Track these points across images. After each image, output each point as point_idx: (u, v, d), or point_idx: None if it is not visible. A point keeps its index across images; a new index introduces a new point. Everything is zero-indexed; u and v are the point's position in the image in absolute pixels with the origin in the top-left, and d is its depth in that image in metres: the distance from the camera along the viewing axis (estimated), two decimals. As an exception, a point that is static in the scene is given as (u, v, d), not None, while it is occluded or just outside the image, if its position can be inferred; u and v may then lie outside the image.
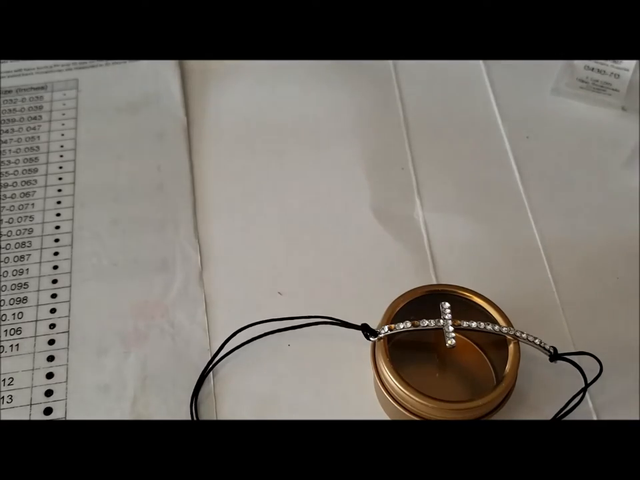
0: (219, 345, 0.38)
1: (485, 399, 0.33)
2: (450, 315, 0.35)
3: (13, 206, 0.44)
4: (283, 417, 0.36)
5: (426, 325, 0.34)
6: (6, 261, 0.42)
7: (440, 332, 0.35)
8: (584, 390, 0.35)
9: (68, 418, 0.36)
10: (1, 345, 0.38)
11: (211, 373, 0.38)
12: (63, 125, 0.48)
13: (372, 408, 0.37)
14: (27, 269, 0.41)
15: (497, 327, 0.34)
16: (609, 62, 0.49)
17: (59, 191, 0.45)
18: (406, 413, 0.34)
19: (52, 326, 0.39)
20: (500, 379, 0.33)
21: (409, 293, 0.36)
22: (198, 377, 0.37)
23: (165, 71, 0.50)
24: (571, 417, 0.35)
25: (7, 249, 0.42)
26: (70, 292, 0.40)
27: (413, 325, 0.34)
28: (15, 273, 0.41)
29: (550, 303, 0.40)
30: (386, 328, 0.34)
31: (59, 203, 0.44)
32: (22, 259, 0.42)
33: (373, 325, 0.35)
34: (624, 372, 0.38)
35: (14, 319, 0.39)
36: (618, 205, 0.44)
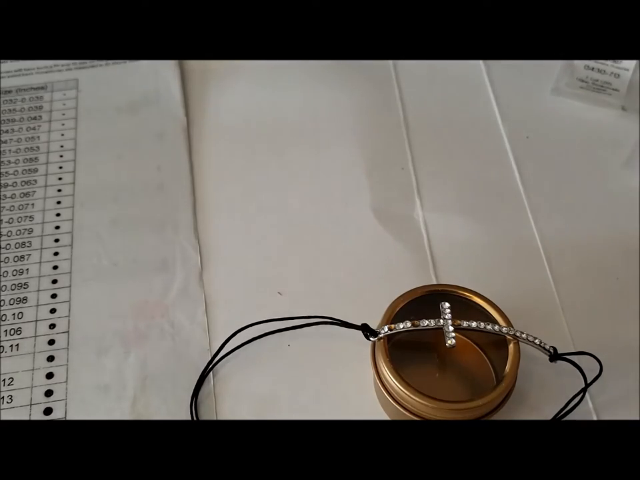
0: (219, 345, 0.38)
1: (485, 399, 0.33)
2: (450, 315, 0.35)
3: (13, 206, 0.44)
4: (283, 417, 0.36)
5: (426, 325, 0.34)
6: (6, 261, 0.42)
7: (440, 332, 0.35)
8: (584, 390, 0.35)
9: (68, 418, 0.36)
10: (1, 345, 0.38)
11: (211, 373, 0.38)
12: (63, 125, 0.48)
13: (372, 408, 0.37)
14: (27, 269, 0.41)
15: (496, 327, 0.34)
16: (609, 62, 0.49)
17: (59, 191, 0.45)
18: (406, 413, 0.34)
19: (52, 326, 0.39)
20: (500, 379, 0.33)
21: (408, 293, 0.36)
22: (198, 377, 0.37)
23: (165, 71, 0.50)
24: (571, 416, 0.35)
25: (7, 249, 0.42)
26: (70, 292, 0.40)
27: (412, 325, 0.34)
28: (14, 273, 0.41)
29: (550, 303, 0.40)
30: (386, 328, 0.34)
31: (58, 203, 0.44)
32: (22, 259, 0.42)
33: (373, 325, 0.35)
34: (624, 372, 0.38)
35: (14, 319, 0.39)
36: (618, 205, 0.44)
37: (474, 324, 0.35)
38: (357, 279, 0.41)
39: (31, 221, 0.43)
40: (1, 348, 0.38)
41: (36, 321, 0.39)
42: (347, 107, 0.49)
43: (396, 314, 0.35)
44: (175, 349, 0.39)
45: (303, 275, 0.42)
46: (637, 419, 0.36)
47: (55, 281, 0.41)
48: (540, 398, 0.37)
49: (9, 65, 0.50)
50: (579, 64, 0.49)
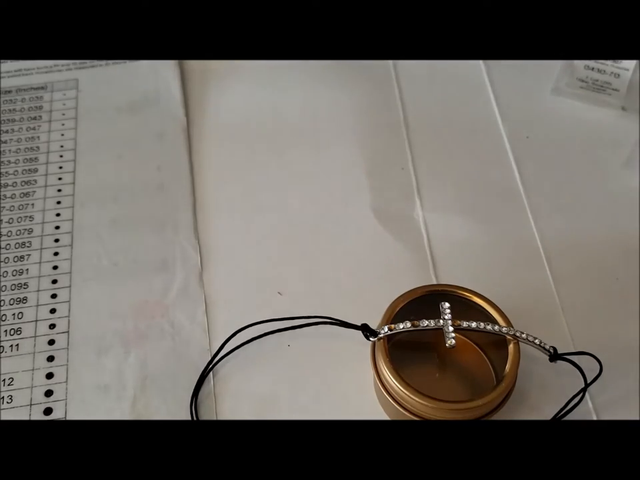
0: (219, 345, 0.38)
1: (485, 399, 0.33)
2: (450, 315, 0.35)
3: (13, 206, 0.44)
4: (283, 417, 0.36)
5: (426, 325, 0.34)
6: (6, 261, 0.42)
7: (440, 332, 0.35)
8: (584, 390, 0.35)
9: (68, 418, 0.36)
10: (1, 345, 0.38)
11: (211, 373, 0.38)
12: (63, 125, 0.48)
13: (372, 408, 0.37)
14: (27, 269, 0.41)
15: (496, 327, 0.34)
16: (609, 62, 0.49)
17: (59, 191, 0.45)
18: (406, 413, 0.34)
19: (52, 326, 0.39)
20: (500, 379, 0.33)
21: (408, 293, 0.36)
22: (198, 377, 0.37)
23: (165, 71, 0.50)
24: (571, 416, 0.35)
25: (7, 249, 0.42)
26: (70, 292, 0.40)
27: (412, 325, 0.34)
28: (14, 273, 0.41)
29: (550, 303, 0.40)
30: (386, 328, 0.34)
31: (58, 203, 0.44)
32: (22, 259, 0.42)
33: (373, 325, 0.35)
34: (624, 372, 0.38)
35: (14, 319, 0.39)
36: (618, 205, 0.44)
37: (474, 324, 0.35)
38: (357, 279, 0.41)
39: (30, 221, 0.43)
40: (1, 348, 0.38)
41: (36, 321, 0.39)
42: (346, 107, 0.49)
43: (396, 314, 0.35)
44: (175, 348, 0.39)
45: (303, 275, 0.42)
46: (637, 419, 0.36)
47: (54, 281, 0.41)
48: (540, 398, 0.37)
49: (9, 65, 0.50)
50: (579, 64, 0.49)
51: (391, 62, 0.51)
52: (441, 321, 0.35)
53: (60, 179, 0.45)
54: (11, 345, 0.39)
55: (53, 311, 0.40)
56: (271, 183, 0.46)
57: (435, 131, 0.48)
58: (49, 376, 0.38)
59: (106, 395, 0.37)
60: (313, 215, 0.44)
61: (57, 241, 0.42)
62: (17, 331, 0.39)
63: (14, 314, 0.40)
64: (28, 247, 0.42)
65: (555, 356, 0.35)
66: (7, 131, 0.47)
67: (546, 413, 0.36)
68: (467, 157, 0.47)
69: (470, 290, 0.36)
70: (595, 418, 0.36)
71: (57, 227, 0.43)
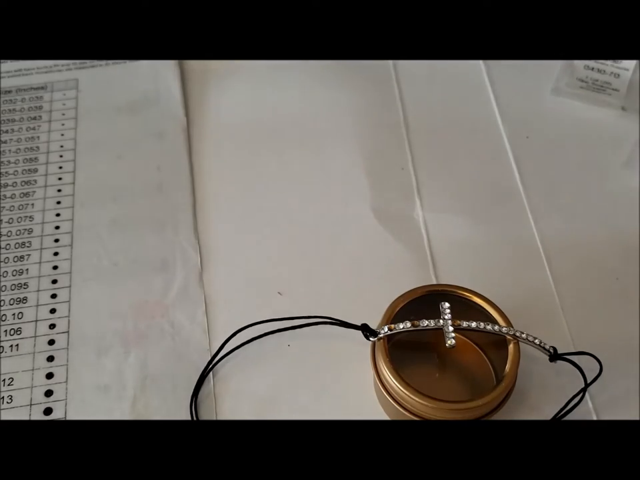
0: (219, 345, 0.38)
1: (485, 398, 0.33)
2: (450, 315, 0.35)
3: (12, 206, 0.44)
4: (283, 417, 0.36)
5: (426, 325, 0.34)
6: (6, 261, 0.42)
7: (440, 332, 0.35)
8: (584, 390, 0.35)
9: (68, 418, 0.36)
10: (1, 345, 0.38)
11: (211, 373, 0.38)
12: (63, 125, 0.48)
13: (372, 408, 0.37)
14: (27, 269, 0.41)
15: (496, 327, 0.34)
16: (609, 62, 0.49)
17: (59, 191, 0.45)
18: (406, 413, 0.34)
19: (52, 326, 0.39)
20: (500, 379, 0.33)
21: (408, 293, 0.36)
22: (198, 377, 0.37)
23: (165, 71, 0.50)
24: (571, 416, 0.35)
25: (7, 249, 0.42)
26: (70, 292, 0.40)
27: (412, 325, 0.34)
28: (14, 273, 0.41)
29: (550, 303, 0.40)
30: (386, 328, 0.34)
31: (58, 203, 0.44)
32: (22, 259, 0.42)
33: (373, 325, 0.35)
34: (624, 372, 0.38)
35: (14, 319, 0.39)
36: (618, 205, 0.44)
37: (474, 324, 0.35)
38: (357, 279, 0.41)
39: (30, 221, 0.43)
40: (1, 348, 0.38)
41: (36, 321, 0.39)
42: (346, 107, 0.49)
43: (396, 314, 0.35)
44: (175, 349, 0.39)
45: (302, 275, 0.42)
46: (637, 419, 0.36)
47: (54, 281, 0.41)
48: (540, 398, 0.37)
49: (9, 65, 0.50)
50: (579, 64, 0.49)
51: (390, 62, 0.51)
52: (441, 321, 0.35)
53: (60, 179, 0.45)
54: (11, 345, 0.39)
55: (52, 311, 0.40)
56: (271, 182, 0.46)
57: (435, 131, 0.48)
58: (49, 376, 0.38)
59: (106, 395, 0.37)
60: (313, 215, 0.44)
61: (56, 241, 0.42)
62: (17, 331, 0.39)
63: (14, 314, 0.40)
64: (28, 247, 0.42)
65: (554, 356, 0.35)
66: (6, 131, 0.47)
67: (546, 412, 0.36)
68: (467, 157, 0.47)
69: (470, 290, 0.36)
70: (594, 418, 0.36)
71: (57, 227, 0.43)
